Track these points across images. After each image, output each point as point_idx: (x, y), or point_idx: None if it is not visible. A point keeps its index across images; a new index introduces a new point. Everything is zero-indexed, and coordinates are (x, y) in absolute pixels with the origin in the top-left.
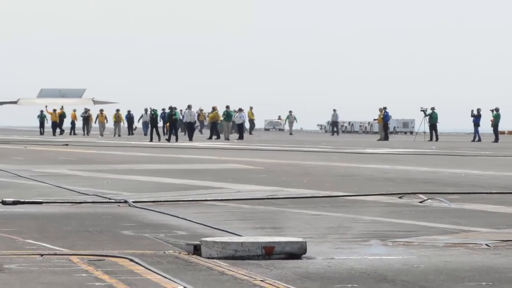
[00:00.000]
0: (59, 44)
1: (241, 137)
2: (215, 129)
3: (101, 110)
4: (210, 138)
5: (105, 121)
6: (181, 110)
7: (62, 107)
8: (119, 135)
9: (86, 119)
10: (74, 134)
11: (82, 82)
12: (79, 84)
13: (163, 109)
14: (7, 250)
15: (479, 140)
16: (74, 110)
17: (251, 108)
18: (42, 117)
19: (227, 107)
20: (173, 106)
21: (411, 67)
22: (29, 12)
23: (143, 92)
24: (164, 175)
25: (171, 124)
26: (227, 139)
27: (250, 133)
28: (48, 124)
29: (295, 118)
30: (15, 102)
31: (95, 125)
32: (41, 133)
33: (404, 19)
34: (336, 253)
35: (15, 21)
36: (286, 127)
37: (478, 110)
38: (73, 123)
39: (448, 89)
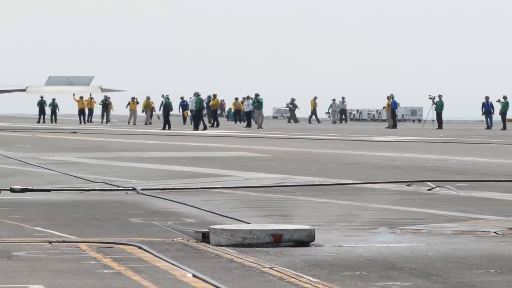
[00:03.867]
0: (67, 31)
1: (249, 125)
2: (215, 117)
3: (133, 98)
4: (212, 126)
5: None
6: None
7: (91, 95)
8: (150, 123)
9: (106, 106)
10: (91, 121)
11: (90, 69)
12: (87, 72)
13: (182, 97)
14: (15, 237)
15: (491, 127)
16: (91, 98)
17: (315, 98)
18: (54, 106)
19: (257, 95)
20: (165, 94)
21: (420, 54)
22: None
23: (153, 81)
24: (173, 163)
25: (165, 112)
26: (260, 127)
27: (310, 121)
28: (59, 112)
29: (338, 106)
30: (23, 90)
31: (113, 113)
32: (52, 121)
33: (413, 5)
34: (344, 241)
35: (23, 8)
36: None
37: (487, 98)
38: (90, 111)
39: (456, 77)
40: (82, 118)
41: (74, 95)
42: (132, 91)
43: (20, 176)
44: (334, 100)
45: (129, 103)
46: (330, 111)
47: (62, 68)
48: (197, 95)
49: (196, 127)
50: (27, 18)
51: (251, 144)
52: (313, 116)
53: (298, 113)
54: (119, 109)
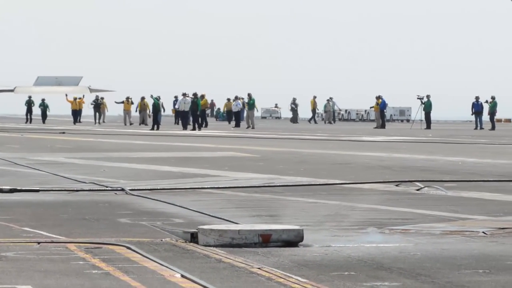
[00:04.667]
0: (55, 32)
1: (237, 125)
2: (203, 117)
3: (128, 98)
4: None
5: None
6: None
7: (84, 95)
8: (145, 124)
9: (98, 107)
10: (79, 122)
11: (78, 69)
12: (76, 72)
13: (176, 97)
14: (4, 238)
15: (481, 128)
16: (83, 97)
17: (314, 97)
18: (44, 106)
19: (249, 94)
20: (154, 95)
21: (408, 54)
22: None
23: (141, 81)
24: (161, 163)
25: (154, 112)
26: (249, 127)
27: (312, 121)
28: (50, 112)
29: (333, 107)
30: (11, 90)
31: (107, 113)
32: (43, 121)
33: (401, 6)
34: (333, 241)
35: (12, 7)
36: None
37: (477, 98)
38: (79, 111)
39: (445, 77)
40: (77, 118)
41: (66, 95)
42: (125, 91)
43: (8, 176)
44: (328, 100)
45: (123, 102)
46: (324, 110)
47: (51, 68)
48: (195, 96)
49: (199, 127)
50: (16, 17)
51: (240, 144)
52: (313, 116)
53: (286, 114)
54: (110, 108)
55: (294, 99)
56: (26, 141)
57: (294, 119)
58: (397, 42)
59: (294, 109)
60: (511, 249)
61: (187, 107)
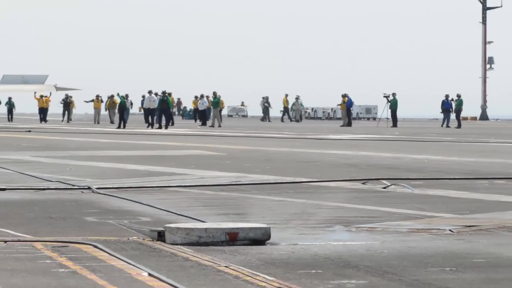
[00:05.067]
0: (20, 30)
1: (203, 124)
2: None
3: (98, 96)
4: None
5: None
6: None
7: (51, 93)
8: (112, 122)
9: (67, 105)
10: (45, 120)
11: (44, 68)
12: (42, 70)
13: (143, 96)
14: None
15: (448, 125)
16: (50, 95)
17: (286, 95)
18: (10, 105)
19: (214, 93)
20: (120, 93)
21: (374, 53)
22: None
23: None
24: (128, 162)
25: (120, 111)
26: (212, 126)
27: (282, 120)
28: (16, 110)
29: (302, 105)
30: None
31: (75, 111)
32: (8, 119)
33: (366, 6)
34: (299, 239)
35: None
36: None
37: (447, 96)
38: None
39: (410, 75)
40: (42, 117)
41: (35, 93)
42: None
43: None
44: (297, 98)
45: (93, 101)
46: (292, 108)
47: (16, 66)
48: (164, 93)
49: (167, 125)
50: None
51: (206, 142)
52: (286, 114)
53: (252, 112)
54: (79, 107)
55: (267, 98)
56: None
57: (264, 118)
58: (365, 41)
59: (266, 107)
60: (478, 246)
61: (152, 105)
